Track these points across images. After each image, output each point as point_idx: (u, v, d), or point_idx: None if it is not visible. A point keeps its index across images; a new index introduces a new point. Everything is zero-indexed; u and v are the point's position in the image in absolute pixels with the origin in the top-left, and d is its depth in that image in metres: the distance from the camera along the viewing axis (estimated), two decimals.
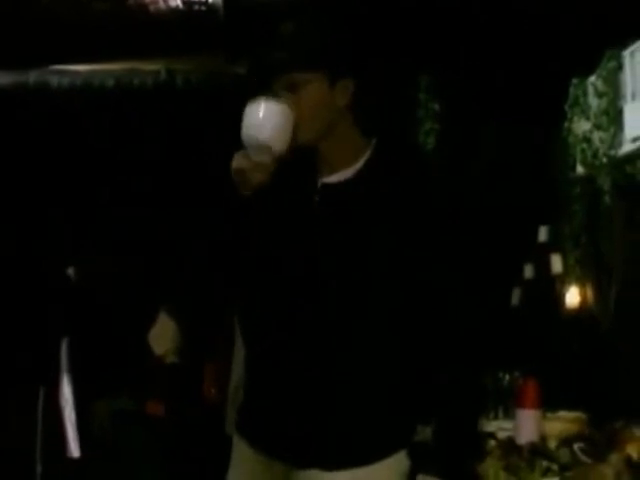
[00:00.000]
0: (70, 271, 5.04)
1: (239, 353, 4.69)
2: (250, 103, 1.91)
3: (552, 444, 2.85)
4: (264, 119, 1.88)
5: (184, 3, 5.57)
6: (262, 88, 1.92)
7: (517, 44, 5.16)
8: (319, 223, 1.85)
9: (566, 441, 2.83)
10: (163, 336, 4.67)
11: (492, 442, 2.92)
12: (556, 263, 5.51)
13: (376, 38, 5.10)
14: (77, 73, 6.51)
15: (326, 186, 1.94)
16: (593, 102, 5.00)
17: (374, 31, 5.13)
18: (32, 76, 6.49)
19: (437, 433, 1.92)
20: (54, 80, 6.52)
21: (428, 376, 1.94)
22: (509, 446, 2.81)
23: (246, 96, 1.93)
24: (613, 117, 4.76)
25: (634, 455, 2.68)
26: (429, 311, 1.92)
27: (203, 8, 5.56)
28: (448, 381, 1.92)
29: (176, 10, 5.58)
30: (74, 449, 4.63)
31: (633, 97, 4.60)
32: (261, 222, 1.96)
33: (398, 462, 1.95)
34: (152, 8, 5.53)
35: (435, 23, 5.24)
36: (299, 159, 1.94)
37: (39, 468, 4.41)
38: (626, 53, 4.65)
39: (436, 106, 6.01)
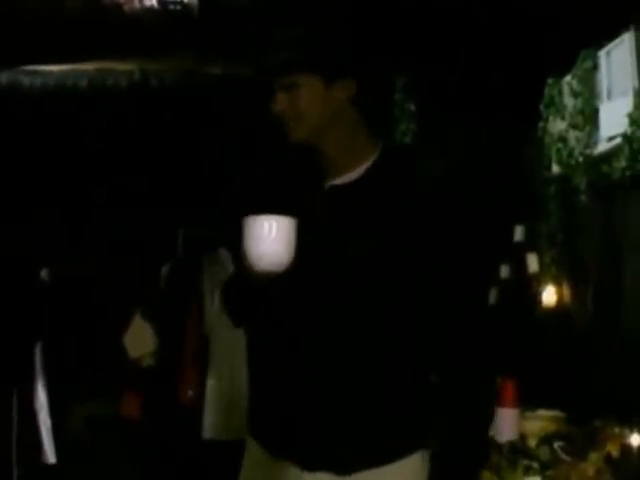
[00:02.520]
0: (43, 273, 4.98)
1: (216, 358, 4.67)
2: (256, 223, 1.76)
3: (532, 442, 2.85)
4: (276, 244, 1.74)
5: (159, 3, 5.54)
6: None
7: (496, 43, 5.17)
8: (327, 224, 1.85)
9: (546, 439, 2.84)
10: (139, 339, 4.64)
11: None
12: (532, 262, 5.53)
13: (368, 38, 5.09)
14: (50, 73, 6.45)
15: (334, 188, 1.94)
16: (569, 102, 4.99)
17: (367, 31, 5.12)
18: (4, 77, 6.43)
19: (445, 440, 1.89)
20: (26, 80, 6.47)
21: (437, 378, 1.93)
22: (490, 445, 2.81)
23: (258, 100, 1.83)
24: (589, 116, 4.76)
25: (614, 453, 2.69)
26: (430, 313, 1.90)
27: (178, 7, 5.53)
28: (460, 385, 1.91)
29: (151, 10, 5.55)
30: (50, 455, 4.56)
31: (609, 96, 4.60)
32: None
33: (412, 464, 1.92)
34: (127, 8, 5.50)
35: (417, 24, 5.24)
36: (305, 162, 1.94)
37: (16, 472, 4.35)
38: (602, 53, 4.65)
39: (412, 106, 6.02)
